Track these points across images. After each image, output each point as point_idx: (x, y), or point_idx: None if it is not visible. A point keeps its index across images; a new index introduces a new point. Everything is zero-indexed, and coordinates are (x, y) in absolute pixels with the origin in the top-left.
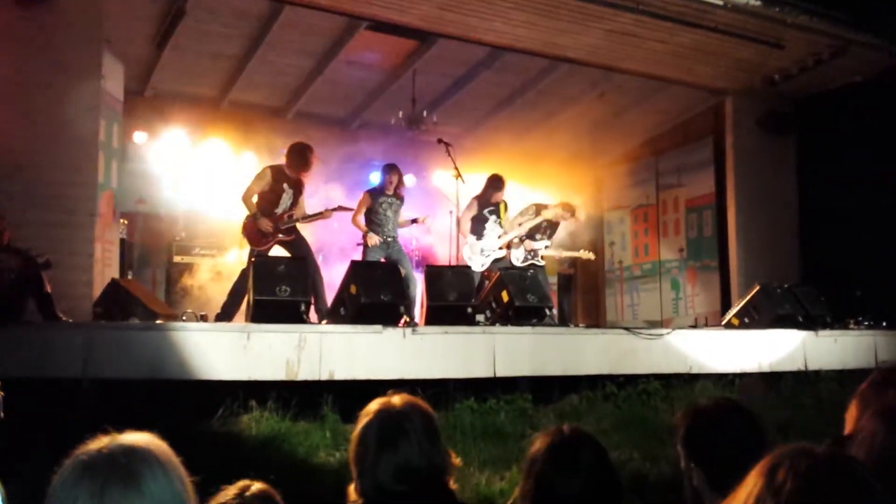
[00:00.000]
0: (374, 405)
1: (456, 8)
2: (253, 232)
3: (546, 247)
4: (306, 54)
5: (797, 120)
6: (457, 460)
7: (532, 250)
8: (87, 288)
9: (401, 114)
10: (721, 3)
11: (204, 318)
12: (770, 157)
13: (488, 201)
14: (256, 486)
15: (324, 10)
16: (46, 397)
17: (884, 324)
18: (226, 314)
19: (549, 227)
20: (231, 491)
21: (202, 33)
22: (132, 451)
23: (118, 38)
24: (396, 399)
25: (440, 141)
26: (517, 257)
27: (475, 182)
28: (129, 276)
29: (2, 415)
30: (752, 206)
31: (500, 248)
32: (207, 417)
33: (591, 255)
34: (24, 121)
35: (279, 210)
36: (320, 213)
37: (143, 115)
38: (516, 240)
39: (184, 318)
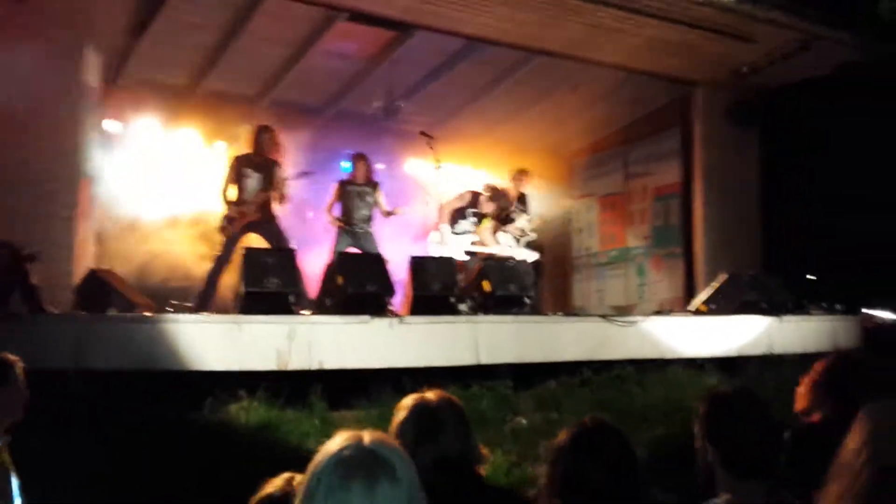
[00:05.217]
0: (409, 400)
1: (436, 1)
2: (223, 224)
3: (528, 220)
4: (284, 43)
5: (762, 112)
6: (486, 451)
7: (519, 231)
8: (68, 279)
9: (376, 104)
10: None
11: (189, 309)
12: (735, 148)
13: (480, 204)
14: (300, 477)
15: (306, 1)
16: (36, 389)
17: (837, 307)
18: (203, 302)
19: (519, 203)
20: (278, 482)
21: (181, 22)
22: (384, 445)
23: (96, 26)
24: (430, 395)
25: (423, 133)
26: (509, 244)
27: (454, 173)
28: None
29: (27, 393)
30: (717, 196)
31: (467, 253)
32: (197, 407)
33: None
34: (4, 111)
35: (246, 196)
36: (282, 182)
37: (115, 104)
38: (491, 230)
39: (169, 308)
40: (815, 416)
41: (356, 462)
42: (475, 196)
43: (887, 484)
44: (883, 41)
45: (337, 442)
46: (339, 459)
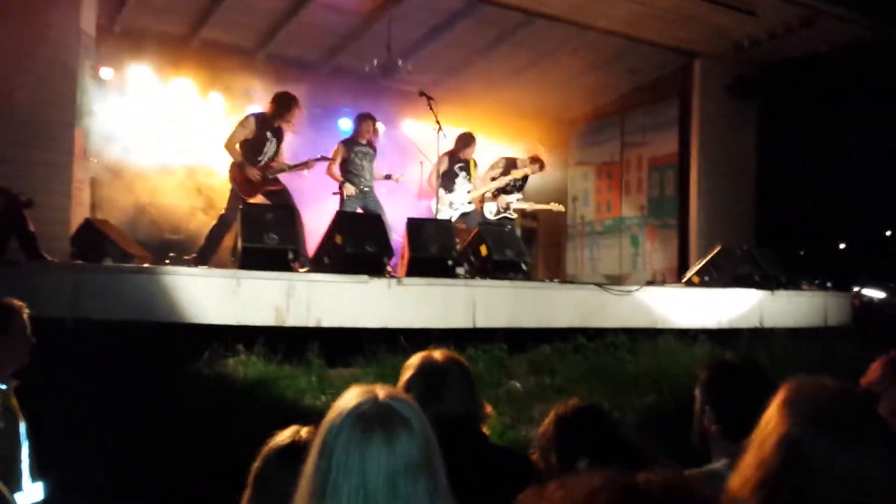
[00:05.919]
0: (416, 359)
1: None
2: (242, 180)
3: (518, 199)
4: None
5: (762, 86)
6: (489, 409)
7: (506, 204)
8: (65, 227)
9: (375, 61)
10: None
11: (188, 263)
12: (733, 121)
13: (458, 158)
14: (306, 429)
15: None
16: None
17: (828, 284)
18: (202, 257)
19: (520, 180)
20: (287, 433)
21: None
22: (400, 400)
23: None
24: (437, 353)
25: (422, 94)
26: (490, 211)
27: (451, 134)
28: (98, 215)
29: (34, 340)
30: (713, 168)
31: (470, 203)
32: (194, 360)
33: (561, 208)
34: (3, 57)
35: (262, 159)
36: (304, 163)
37: (110, 51)
38: (489, 194)
39: (167, 261)
40: (875, 389)
41: (374, 417)
42: (450, 154)
43: (791, 454)
44: (887, 20)
45: (352, 397)
46: (357, 414)
